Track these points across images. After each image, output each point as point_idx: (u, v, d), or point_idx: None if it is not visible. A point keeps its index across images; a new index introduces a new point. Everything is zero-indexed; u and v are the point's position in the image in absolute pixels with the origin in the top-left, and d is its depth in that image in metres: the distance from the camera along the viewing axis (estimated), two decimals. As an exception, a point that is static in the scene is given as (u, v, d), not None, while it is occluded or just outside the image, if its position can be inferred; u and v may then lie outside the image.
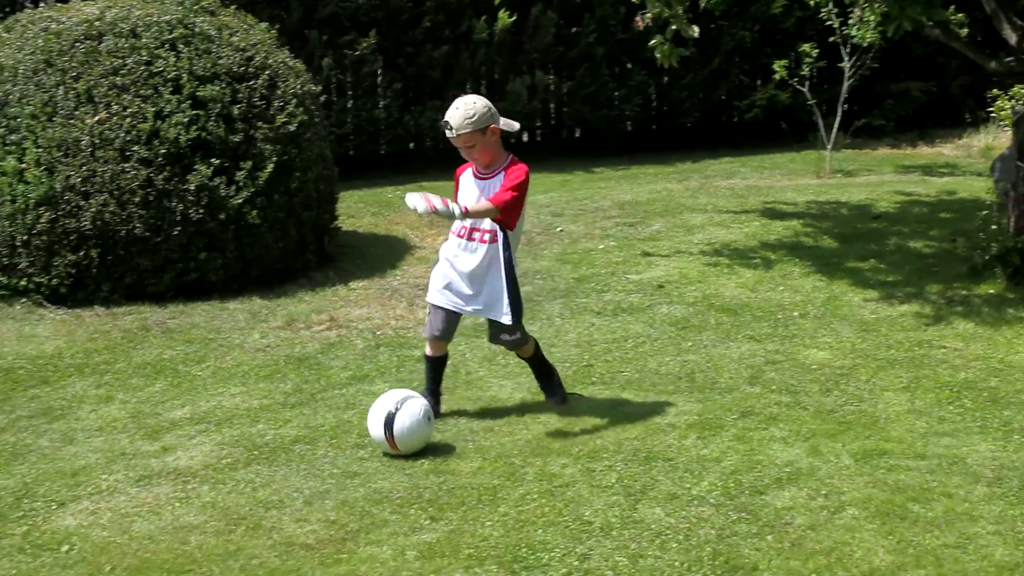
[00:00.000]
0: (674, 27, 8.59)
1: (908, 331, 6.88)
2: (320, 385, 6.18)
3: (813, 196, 11.06)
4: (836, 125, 12.60)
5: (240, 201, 7.74)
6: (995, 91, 12.38)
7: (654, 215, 10.26)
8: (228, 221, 7.74)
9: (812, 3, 11.63)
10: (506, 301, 5.41)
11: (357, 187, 11.39)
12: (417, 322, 7.25)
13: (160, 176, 7.54)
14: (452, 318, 5.59)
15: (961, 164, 13.07)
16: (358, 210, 10.50)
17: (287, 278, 8.14)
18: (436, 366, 5.73)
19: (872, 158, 13.69)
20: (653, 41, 8.93)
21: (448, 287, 5.49)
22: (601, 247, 9.13)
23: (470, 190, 5.42)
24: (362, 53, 12.17)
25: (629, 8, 12.41)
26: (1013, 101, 11.33)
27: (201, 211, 7.61)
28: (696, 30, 8.54)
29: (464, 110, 5.24)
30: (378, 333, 7.06)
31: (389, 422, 5.14)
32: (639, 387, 6.06)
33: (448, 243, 5.53)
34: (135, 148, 7.54)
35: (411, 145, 13.10)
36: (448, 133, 5.29)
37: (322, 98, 9.51)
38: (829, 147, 12.60)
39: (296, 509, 4.66)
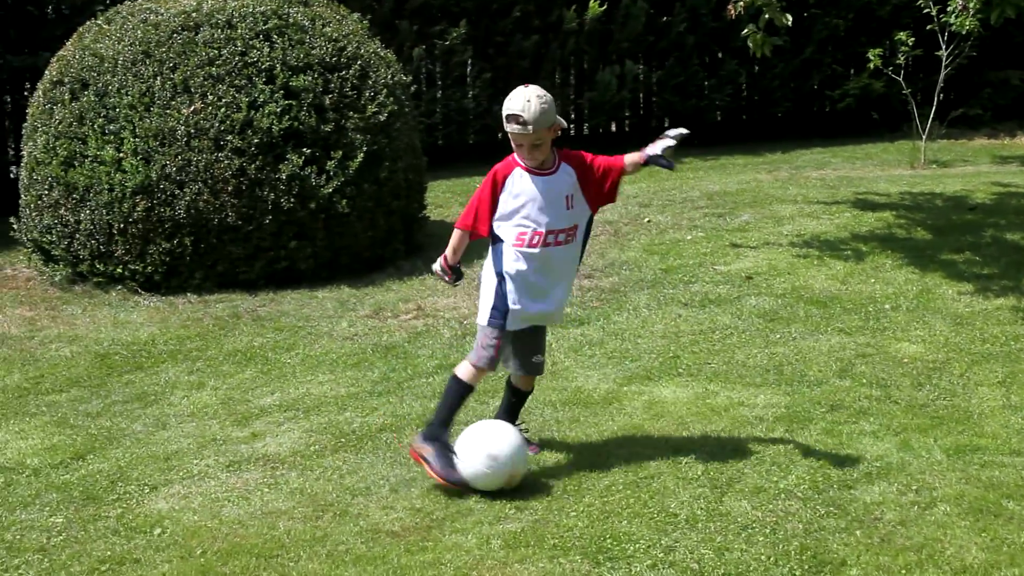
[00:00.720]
0: (767, 15, 8.49)
1: (1004, 325, 6.74)
2: (407, 374, 6.22)
3: (907, 187, 10.86)
4: (931, 115, 12.35)
5: (330, 190, 7.82)
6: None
7: (743, 206, 10.16)
8: (318, 210, 7.82)
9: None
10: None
11: (445, 177, 11.44)
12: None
13: (253, 165, 7.65)
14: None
15: (1062, 154, 12.75)
16: (446, 200, 10.55)
17: (375, 267, 8.21)
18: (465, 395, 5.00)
19: (968, 148, 13.41)
20: (745, 30, 8.84)
21: (527, 306, 4.84)
22: (689, 238, 9.07)
23: (529, 190, 4.72)
24: (452, 43, 12.22)
25: (720, -3, 12.30)
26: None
27: (292, 200, 7.71)
28: (789, 18, 8.44)
29: (539, 104, 4.61)
30: (464, 323, 7.09)
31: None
32: (726, 379, 6.01)
33: (517, 256, 4.81)
34: (229, 138, 7.66)
35: (499, 135, 13.10)
36: (516, 128, 4.66)
37: (412, 88, 9.56)
38: (924, 137, 12.37)
39: (382, 496, 4.70)
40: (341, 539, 4.33)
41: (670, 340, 6.68)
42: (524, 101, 4.64)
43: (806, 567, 4.06)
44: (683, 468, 4.91)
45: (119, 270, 7.80)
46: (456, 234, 4.92)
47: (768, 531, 4.33)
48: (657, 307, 7.32)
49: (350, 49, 8.32)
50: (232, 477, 4.92)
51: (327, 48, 8.18)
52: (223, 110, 7.70)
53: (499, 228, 4.83)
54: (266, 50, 7.94)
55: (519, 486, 4.70)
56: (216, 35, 7.96)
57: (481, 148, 12.85)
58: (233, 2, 8.26)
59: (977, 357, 6.22)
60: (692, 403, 5.67)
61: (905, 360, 6.20)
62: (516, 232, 4.78)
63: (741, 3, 8.54)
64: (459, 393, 4.90)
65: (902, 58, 12.25)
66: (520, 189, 4.75)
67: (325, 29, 8.31)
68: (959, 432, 5.21)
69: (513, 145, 4.77)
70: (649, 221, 9.67)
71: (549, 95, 4.73)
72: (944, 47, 12.00)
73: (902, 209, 9.84)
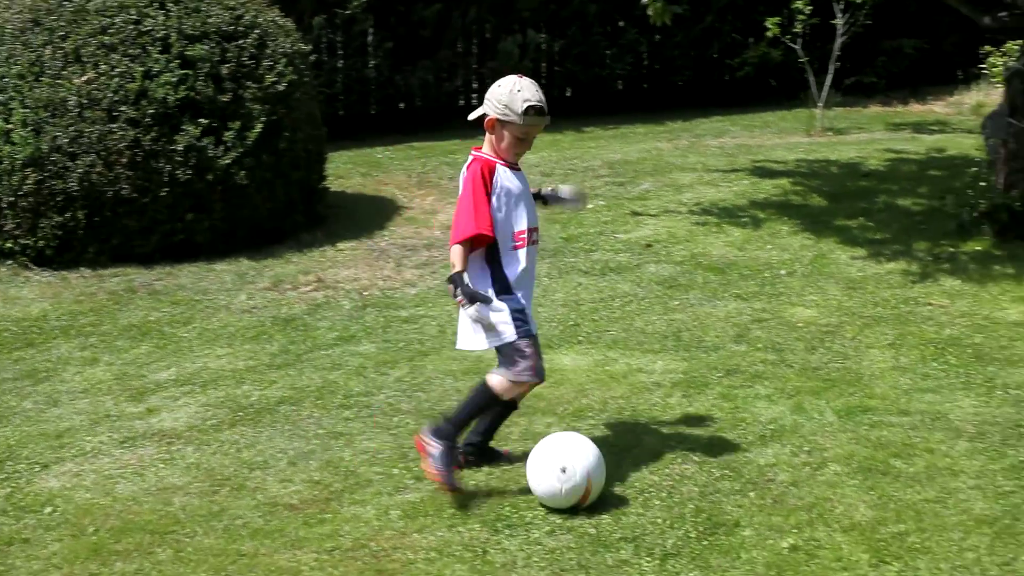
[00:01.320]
0: (667, -16, 8.54)
1: (895, 288, 6.89)
2: (306, 346, 6.18)
3: (803, 154, 11.03)
4: (828, 83, 12.55)
5: (228, 162, 7.71)
6: (987, 48, 12.32)
7: (643, 174, 10.24)
8: (216, 182, 7.71)
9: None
10: None
11: (347, 147, 11.36)
12: (404, 283, 7.25)
13: (148, 136, 7.51)
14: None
15: (952, 121, 13.04)
16: (347, 171, 10.47)
17: (275, 239, 8.12)
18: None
19: (863, 116, 13.65)
20: (645, -1, 8.87)
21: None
22: (590, 206, 9.10)
23: (515, 187, 4.43)
24: (353, 12, 12.09)
25: (620, -35, 12.34)
26: (1005, 57, 11.28)
27: (189, 172, 7.59)
28: (686, -13, 8.49)
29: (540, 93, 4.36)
30: (365, 294, 7.06)
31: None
32: (625, 346, 6.06)
33: (517, 258, 4.46)
34: (123, 108, 7.50)
35: (401, 105, 13.05)
36: (537, 120, 4.37)
37: (312, 58, 9.46)
38: (820, 105, 12.56)
39: (280, 470, 4.67)
40: (238, 513, 4.29)
41: (570, 308, 6.71)
42: (537, 91, 4.35)
43: (701, 529, 4.12)
44: (582, 434, 4.93)
45: (9, 245, 7.61)
46: (458, 250, 4.25)
47: (664, 495, 4.39)
48: (558, 276, 7.35)
49: (248, 17, 8.20)
50: (126, 453, 4.85)
51: (224, 16, 8.05)
52: (116, 80, 7.54)
53: (498, 230, 4.35)
54: (161, 18, 7.79)
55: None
56: (108, 3, 7.80)
57: (382, 118, 12.77)
58: (125, -31, 8.08)
59: (868, 320, 6.35)
60: (591, 370, 5.71)
61: (799, 324, 6.31)
62: (515, 232, 4.42)
63: (641, -29, 8.57)
64: (486, 403, 4.46)
65: (799, 27, 12.40)
66: (509, 186, 4.39)
67: (221, -3, 8.18)
68: (850, 394, 5.33)
69: (512, 139, 4.37)
70: (552, 190, 9.67)
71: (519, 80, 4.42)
72: (840, 16, 12.19)
73: (798, 176, 10.00)
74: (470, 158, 4.47)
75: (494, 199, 4.35)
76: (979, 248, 7.57)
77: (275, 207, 8.14)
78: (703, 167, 10.49)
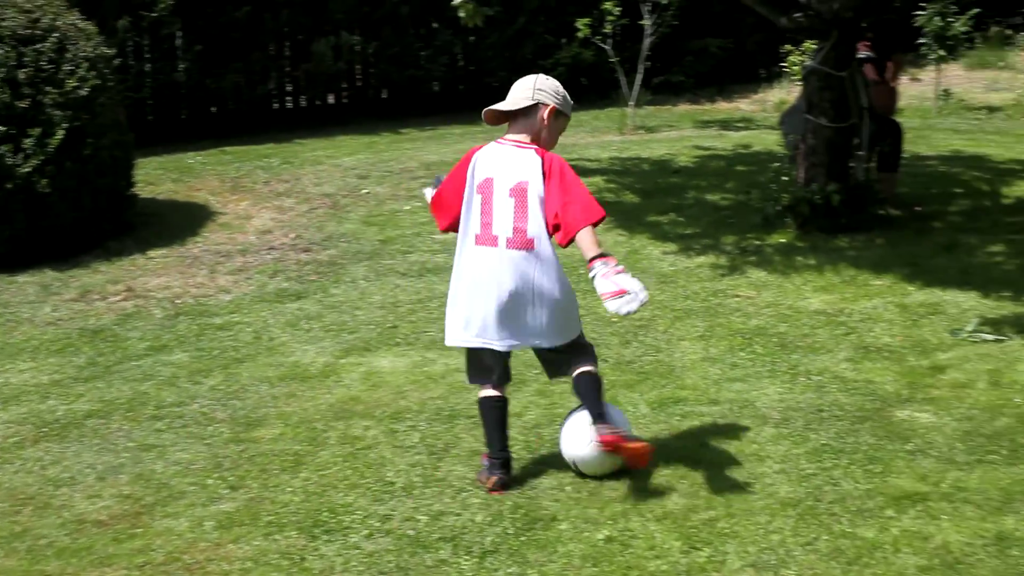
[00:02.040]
0: (476, -15, 8.59)
1: (704, 281, 7.08)
2: (116, 357, 6.01)
3: (616, 152, 11.24)
4: (638, 82, 12.82)
5: (29, 169, 7.45)
6: (788, 47, 12.79)
7: (461, 175, 10.26)
8: (16, 190, 7.44)
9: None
10: None
11: (157, 153, 11.08)
12: (218, 289, 7.12)
13: (-61, 145, 7.19)
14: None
15: (757, 118, 13.49)
16: (157, 177, 10.21)
17: (82, 248, 7.87)
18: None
19: (673, 114, 14.00)
20: (457, 0, 8.90)
21: None
22: (407, 208, 9.11)
23: None
24: (160, 14, 11.79)
25: (432, -33, 12.36)
26: (804, 56, 11.71)
27: (-14, 181, 7.30)
28: (496, -12, 8.56)
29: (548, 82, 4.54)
30: (177, 302, 6.90)
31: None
32: (443, 347, 6.04)
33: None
34: (-89, 116, 7.17)
35: (213, 109, 12.80)
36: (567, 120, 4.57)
37: (117, 61, 9.19)
38: (632, 104, 12.82)
39: (88, 485, 4.53)
40: (43, 533, 4.14)
41: (388, 310, 6.69)
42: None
43: (519, 525, 4.16)
44: (400, 437, 4.94)
45: None
46: (592, 233, 4.29)
47: (483, 493, 4.41)
48: (375, 278, 7.32)
49: (45, 20, 7.92)
50: (-78, 476, 4.64)
51: (19, 20, 7.77)
52: (-97, 86, 7.20)
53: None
54: (-51, 22, 7.47)
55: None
56: None
57: (194, 123, 12.50)
58: (-91, -30, 7.73)
59: (680, 313, 6.51)
60: (410, 372, 5.71)
61: (613, 319, 6.41)
62: None
63: (452, -27, 8.61)
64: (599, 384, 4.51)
65: (609, 27, 12.64)
66: None
67: (16, -1, 7.88)
68: (663, 385, 5.45)
69: (560, 131, 4.50)
70: (367, 192, 9.65)
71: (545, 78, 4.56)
72: (647, 16, 12.47)
73: (612, 174, 10.18)
74: (532, 150, 4.37)
75: None
76: (783, 240, 7.84)
77: (81, 215, 7.88)
78: (519, 167, 10.58)
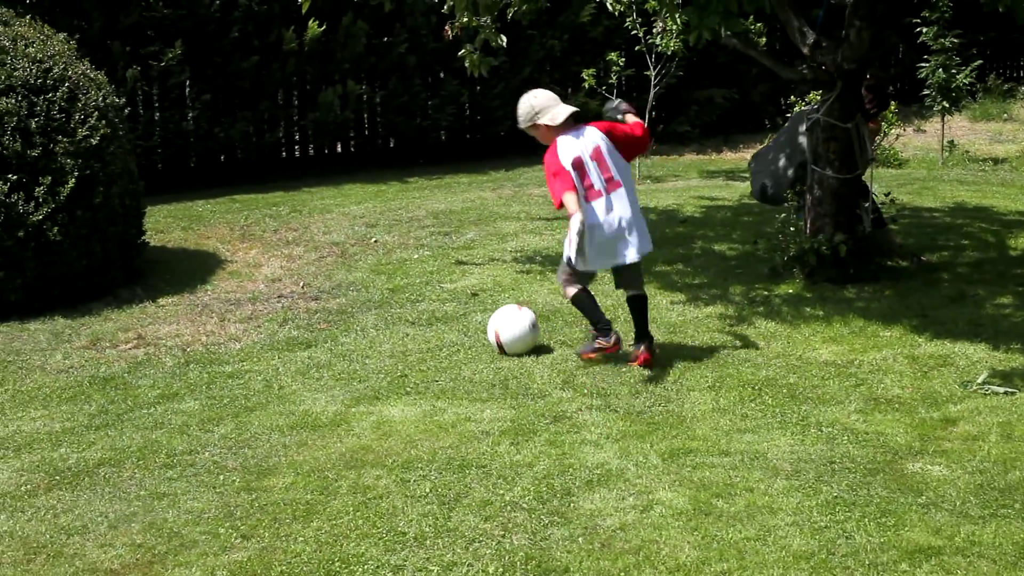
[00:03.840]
0: (483, 36, 8.67)
1: (712, 332, 7.10)
2: (127, 405, 6.01)
3: (623, 202, 11.27)
4: (644, 132, 12.88)
5: (40, 217, 7.49)
6: (793, 97, 12.88)
7: (468, 224, 10.33)
8: (27, 238, 7.48)
9: (616, 12, 11.86)
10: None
11: (166, 201, 11.15)
12: (228, 337, 7.14)
13: (-48, 193, 7.24)
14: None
15: (763, 169, 13.53)
16: (167, 225, 10.27)
17: (92, 296, 7.90)
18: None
19: (679, 164, 14.07)
20: (463, 51, 8.99)
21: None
22: (416, 257, 9.14)
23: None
24: (168, 64, 11.90)
25: (440, 18, 12.46)
26: (808, 107, 11.79)
27: (-2, 229, 7.34)
28: (503, 39, 8.64)
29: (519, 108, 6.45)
30: (188, 350, 6.92)
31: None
32: (453, 395, 6.08)
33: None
34: (-76, 164, 7.23)
35: (222, 158, 12.88)
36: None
37: (127, 110, 9.27)
38: (638, 154, 12.88)
39: (100, 534, 4.53)
40: (56, 582, 4.15)
41: (398, 359, 6.71)
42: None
43: (531, 576, 4.16)
44: (412, 486, 4.94)
45: None
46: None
47: (495, 543, 4.41)
48: (385, 327, 7.34)
49: (56, 70, 7.99)
50: (-66, 525, 4.63)
51: (31, 70, 7.83)
52: (-83, 135, 7.26)
53: None
54: (-36, 72, 7.54)
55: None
56: (-92, 56, 7.50)
57: (203, 171, 12.58)
58: (-74, 21, 7.81)
59: (689, 363, 6.51)
60: (420, 421, 5.71)
61: (623, 369, 6.43)
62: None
63: (458, 24, 8.68)
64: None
65: (615, 78, 12.75)
66: None
67: (28, 50, 7.95)
68: (673, 436, 5.45)
69: (546, 137, 6.43)
70: (376, 241, 9.70)
71: (525, 106, 6.40)
72: (652, 67, 12.57)
73: (619, 223, 10.20)
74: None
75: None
76: (791, 291, 7.86)
77: (91, 263, 7.92)
78: (527, 216, 10.65)
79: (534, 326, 6.74)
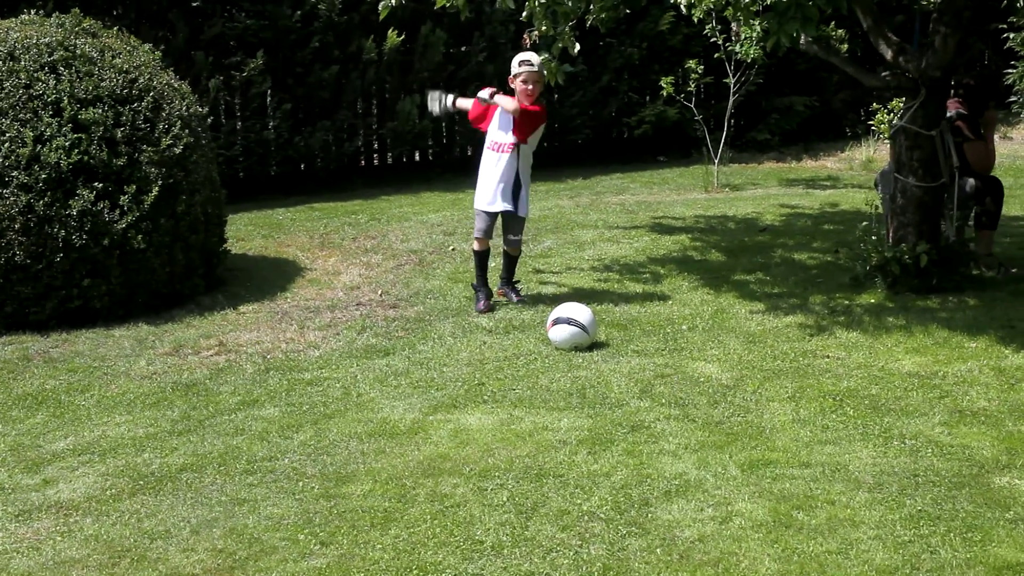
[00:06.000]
0: (560, 44, 8.67)
1: (792, 342, 7.01)
2: (208, 411, 6.09)
3: (701, 210, 11.22)
4: (723, 140, 12.81)
5: (124, 226, 7.61)
6: (875, 105, 12.69)
7: (546, 232, 10.33)
8: (112, 246, 7.60)
9: (696, 19, 11.77)
10: (522, 197, 7.80)
11: (247, 209, 11.28)
12: (308, 345, 7.20)
13: (41, 202, 7.38)
14: (490, 219, 7.85)
15: (843, 177, 13.38)
16: (248, 232, 10.39)
17: (175, 303, 8.02)
18: (482, 259, 7.95)
19: (758, 172, 13.94)
20: (541, 58, 8.97)
21: (484, 193, 7.77)
22: (492, 265, 9.14)
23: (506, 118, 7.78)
24: (250, 74, 12.05)
25: (518, 26, 12.49)
26: (891, 115, 11.61)
27: (84, 237, 7.46)
28: (578, 47, 8.63)
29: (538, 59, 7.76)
30: (268, 357, 6.99)
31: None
32: (530, 404, 6.08)
33: (484, 157, 7.81)
34: (14, 174, 7.38)
35: (302, 166, 13.01)
36: (530, 69, 7.78)
37: (209, 120, 9.41)
38: (716, 162, 12.81)
39: (183, 539, 4.59)
40: (139, 586, 4.21)
41: (475, 367, 6.72)
42: (533, 55, 7.79)
43: (609, 587, 4.14)
44: (489, 495, 4.94)
45: (-102, 314, 7.41)
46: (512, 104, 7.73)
47: (572, 553, 4.39)
48: (462, 335, 7.35)
49: (142, 81, 8.13)
50: (21, 527, 4.72)
51: (117, 80, 7.96)
52: (7, 145, 7.41)
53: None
54: (52, 82, 7.69)
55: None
56: (-3, 67, 7.67)
57: (283, 180, 12.72)
58: (15, 33, 7.98)
59: (768, 374, 6.45)
60: (497, 429, 5.71)
61: (701, 379, 6.38)
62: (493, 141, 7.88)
63: (536, 32, 8.68)
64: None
65: (693, 85, 12.69)
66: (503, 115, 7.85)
67: (115, 60, 8.09)
68: (752, 447, 5.40)
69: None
70: (453, 249, 9.73)
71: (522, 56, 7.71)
72: (732, 75, 12.48)
73: (697, 232, 10.16)
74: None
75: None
76: (873, 301, 7.75)
77: (174, 271, 8.04)
78: (604, 224, 10.62)
79: (575, 335, 7.02)
